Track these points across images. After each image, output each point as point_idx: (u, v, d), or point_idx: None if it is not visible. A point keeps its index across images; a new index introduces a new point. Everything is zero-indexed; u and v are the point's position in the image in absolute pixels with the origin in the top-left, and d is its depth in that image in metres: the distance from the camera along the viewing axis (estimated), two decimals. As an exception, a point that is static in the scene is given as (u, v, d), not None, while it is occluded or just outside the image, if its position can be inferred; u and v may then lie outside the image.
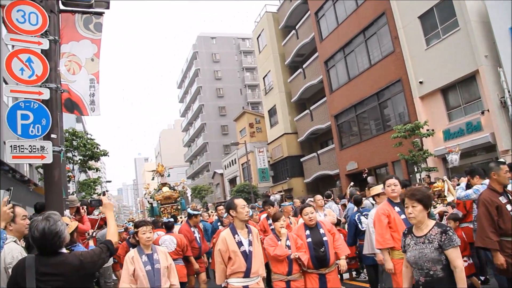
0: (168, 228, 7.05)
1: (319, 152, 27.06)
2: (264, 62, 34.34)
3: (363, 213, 6.86)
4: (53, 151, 4.55)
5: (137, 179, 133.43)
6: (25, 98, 4.28)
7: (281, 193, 26.11)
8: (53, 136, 4.63)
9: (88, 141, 19.69)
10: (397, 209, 4.67)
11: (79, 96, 6.24)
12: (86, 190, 21.78)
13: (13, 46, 4.49)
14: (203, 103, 57.36)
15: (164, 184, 12.61)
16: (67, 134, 18.14)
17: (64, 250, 2.81)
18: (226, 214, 7.03)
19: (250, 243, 4.27)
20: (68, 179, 18.68)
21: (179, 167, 64.32)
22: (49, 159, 4.32)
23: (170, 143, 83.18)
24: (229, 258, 4.18)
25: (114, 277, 8.52)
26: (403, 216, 4.49)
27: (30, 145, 4.24)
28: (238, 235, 4.25)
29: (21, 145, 4.20)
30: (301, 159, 29.36)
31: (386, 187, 4.91)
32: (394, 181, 4.83)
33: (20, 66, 4.32)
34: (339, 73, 23.03)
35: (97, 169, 23.46)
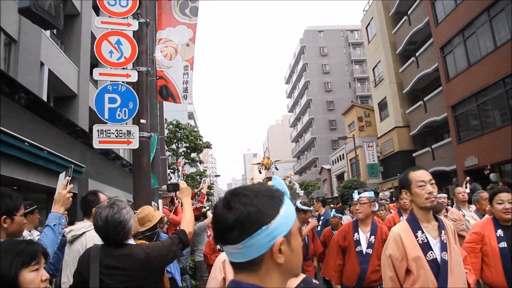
0: None
1: (433, 146, 24.95)
2: (373, 52, 32.76)
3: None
4: (142, 137, 4.50)
5: (246, 174, 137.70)
6: (113, 81, 4.28)
7: (391, 190, 24.56)
8: (142, 121, 4.58)
9: (192, 132, 19.88)
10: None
11: (173, 83, 6.23)
12: (190, 182, 22.28)
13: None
14: (311, 97, 57.00)
15: (269, 178, 11.75)
16: (171, 126, 18.79)
17: (131, 241, 2.55)
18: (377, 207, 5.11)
19: (443, 246, 2.64)
20: (172, 170, 19.28)
21: (287, 162, 64.75)
22: (135, 144, 4.26)
23: (278, 139, 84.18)
24: (408, 271, 2.65)
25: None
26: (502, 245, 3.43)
27: (116, 130, 4.21)
28: (423, 232, 2.68)
29: (108, 130, 4.18)
30: (414, 154, 27.36)
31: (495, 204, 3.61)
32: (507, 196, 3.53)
33: (109, 48, 4.33)
34: (458, 59, 20.87)
35: (200, 161, 24.05)
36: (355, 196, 4.34)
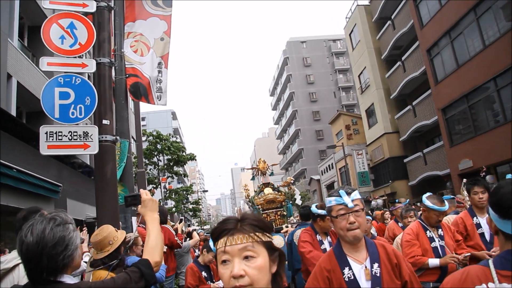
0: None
1: (425, 151, 24.44)
2: (358, 59, 32.41)
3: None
4: (104, 141, 3.68)
5: (234, 188, 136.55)
6: (65, 72, 3.48)
7: (384, 198, 23.92)
8: (105, 122, 3.75)
9: (174, 143, 18.70)
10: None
11: (148, 80, 5.47)
12: (174, 198, 20.88)
13: (54, 10, 3.74)
14: (297, 108, 56.69)
15: (266, 185, 10.32)
16: (151, 137, 17.65)
17: (69, 279, 1.70)
18: None
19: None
20: (154, 186, 18.04)
21: (276, 175, 64.00)
22: (94, 149, 3.41)
23: (265, 152, 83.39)
24: None
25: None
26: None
27: (70, 132, 3.34)
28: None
29: (59, 132, 3.31)
30: (405, 160, 26.84)
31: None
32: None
33: (61, 33, 3.53)
34: (445, 61, 20.48)
35: (184, 175, 22.77)
36: (345, 199, 2.35)
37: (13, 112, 10.94)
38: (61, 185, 11.79)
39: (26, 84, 11.75)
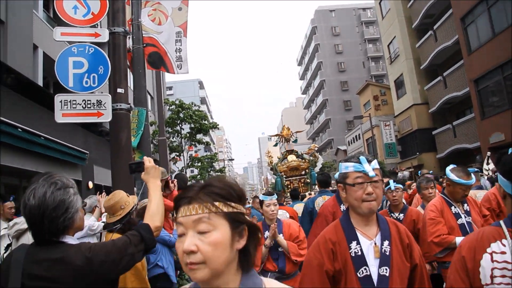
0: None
1: (454, 123, 23.79)
2: (388, 28, 31.41)
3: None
4: (119, 109, 3.73)
5: (261, 157, 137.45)
6: (79, 42, 3.51)
7: (410, 170, 23.58)
8: (119, 90, 3.79)
9: (196, 112, 18.53)
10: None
11: (165, 50, 5.45)
12: (196, 166, 20.77)
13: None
14: (324, 78, 55.93)
15: (290, 152, 10.12)
16: (173, 106, 17.62)
17: (71, 240, 1.76)
18: None
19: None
20: (177, 154, 18.09)
21: (302, 144, 63.89)
22: (107, 117, 3.47)
23: (292, 121, 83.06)
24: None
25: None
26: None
27: (84, 100, 3.41)
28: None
29: (73, 100, 3.38)
30: (433, 132, 26.23)
31: None
32: None
33: (73, 3, 3.55)
34: (480, 30, 19.56)
35: (207, 143, 22.79)
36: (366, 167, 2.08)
37: (40, 82, 11.18)
38: (87, 152, 12.10)
39: (52, 54, 11.92)
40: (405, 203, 6.58)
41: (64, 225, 1.70)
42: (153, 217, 2.11)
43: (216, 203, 1.12)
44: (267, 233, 4.04)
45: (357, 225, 2.07)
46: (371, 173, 2.00)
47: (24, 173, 9.59)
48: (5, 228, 3.71)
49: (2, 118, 7.84)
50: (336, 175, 2.35)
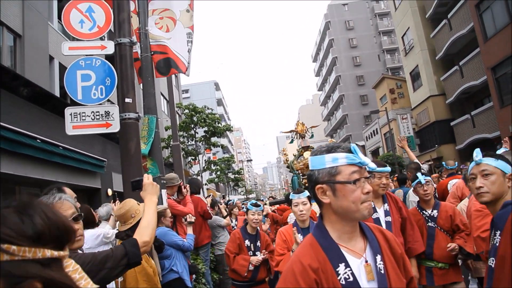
0: None
1: (473, 113, 23.36)
2: (401, 19, 31.05)
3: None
4: (128, 118, 3.85)
5: (280, 157, 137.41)
6: (86, 55, 3.64)
7: (430, 163, 23.26)
8: (127, 100, 3.91)
9: (209, 115, 18.67)
10: None
11: (176, 53, 5.58)
12: (212, 169, 21.06)
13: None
14: (340, 73, 55.56)
15: (306, 148, 9.60)
16: (187, 110, 17.83)
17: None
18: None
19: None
20: (193, 158, 18.34)
21: (320, 142, 63.60)
22: (115, 127, 3.60)
23: (310, 119, 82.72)
24: None
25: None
26: None
27: (92, 112, 3.55)
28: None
29: (82, 112, 3.52)
30: (452, 123, 25.82)
31: None
32: None
33: (79, 17, 3.68)
34: (496, 15, 19.18)
35: (222, 146, 23.05)
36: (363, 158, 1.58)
37: (57, 93, 11.44)
38: (106, 160, 12.32)
39: (67, 64, 12.16)
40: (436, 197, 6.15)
41: None
42: (143, 232, 2.15)
43: None
44: (300, 237, 3.48)
45: (339, 240, 1.54)
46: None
47: (44, 183, 9.82)
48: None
49: (21, 130, 8.07)
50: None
